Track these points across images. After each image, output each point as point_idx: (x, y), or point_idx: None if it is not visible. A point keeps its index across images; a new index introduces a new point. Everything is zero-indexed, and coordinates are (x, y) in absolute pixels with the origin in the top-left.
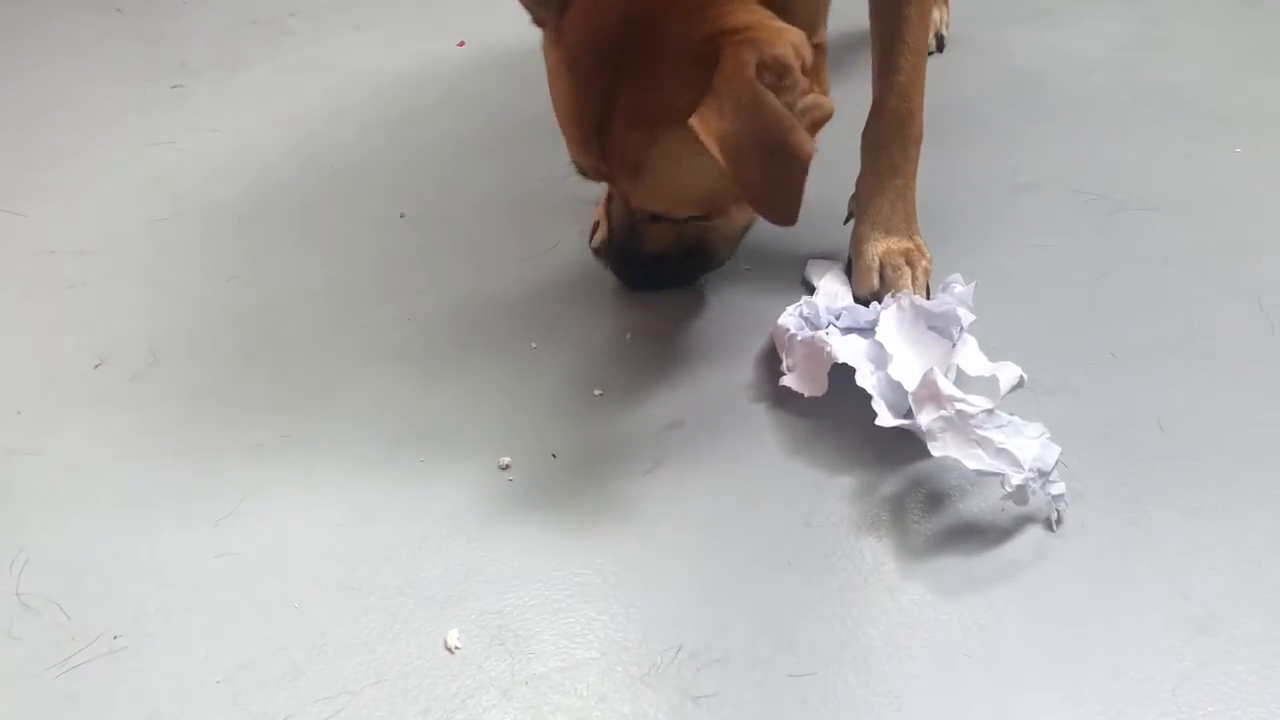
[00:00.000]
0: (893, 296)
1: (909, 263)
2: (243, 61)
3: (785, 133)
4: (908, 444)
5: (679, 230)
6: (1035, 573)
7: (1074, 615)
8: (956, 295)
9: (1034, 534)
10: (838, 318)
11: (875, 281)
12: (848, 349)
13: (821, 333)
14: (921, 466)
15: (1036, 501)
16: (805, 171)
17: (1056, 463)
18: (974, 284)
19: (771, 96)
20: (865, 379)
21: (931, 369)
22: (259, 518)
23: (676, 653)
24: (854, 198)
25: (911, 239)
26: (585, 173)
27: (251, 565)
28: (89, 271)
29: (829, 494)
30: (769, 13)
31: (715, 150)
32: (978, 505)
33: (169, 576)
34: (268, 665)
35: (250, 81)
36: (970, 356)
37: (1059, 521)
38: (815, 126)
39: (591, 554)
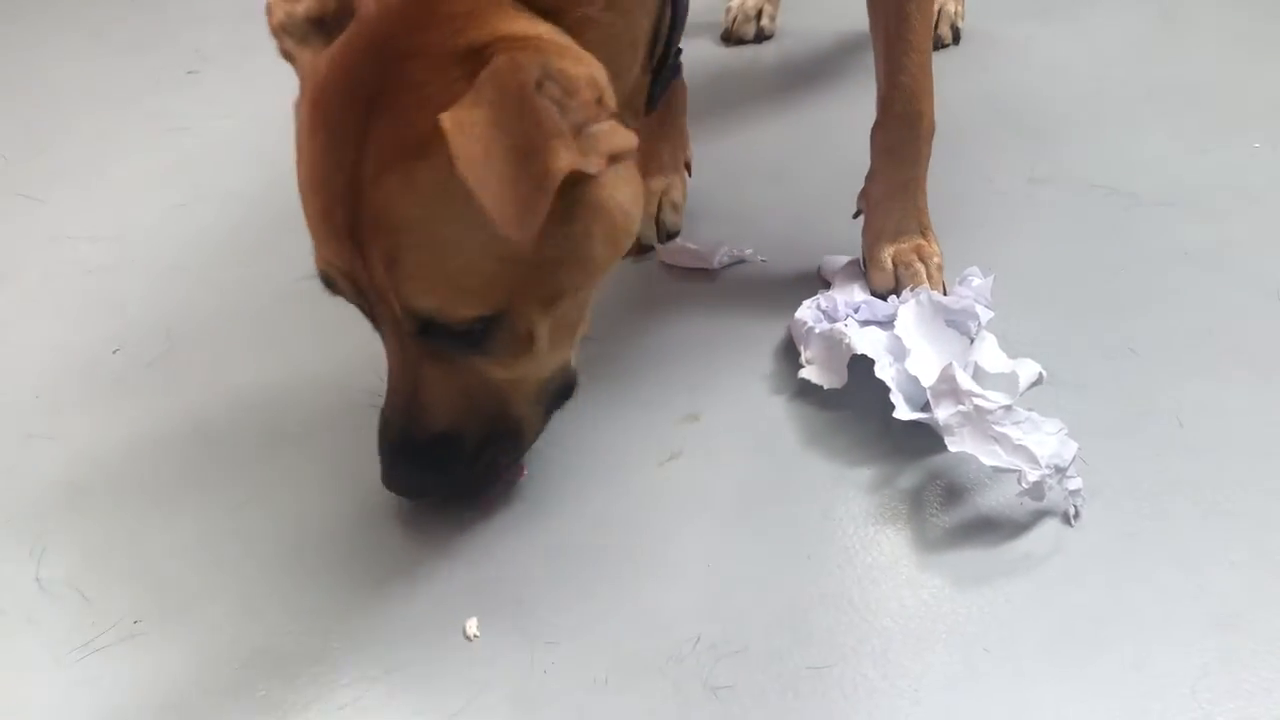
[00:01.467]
0: (911, 291)
1: (921, 259)
2: (257, 46)
3: (545, 138)
4: (926, 437)
5: (467, 386)
6: (1053, 566)
7: (1092, 609)
8: (974, 289)
9: (1052, 528)
10: (856, 311)
11: (890, 280)
12: (866, 341)
13: (840, 325)
14: (940, 460)
15: (1054, 496)
16: (548, 191)
17: (1074, 459)
18: (991, 277)
19: (546, 103)
20: (884, 371)
21: (950, 364)
22: (278, 504)
23: (695, 644)
24: (862, 194)
25: (923, 235)
26: (332, 283)
27: (271, 551)
28: (106, 257)
29: (847, 486)
30: (565, 36)
31: (455, 140)
32: (996, 499)
33: (189, 562)
34: (287, 651)
35: (265, 66)
36: (989, 353)
37: (1076, 516)
38: (608, 157)
39: (609, 545)
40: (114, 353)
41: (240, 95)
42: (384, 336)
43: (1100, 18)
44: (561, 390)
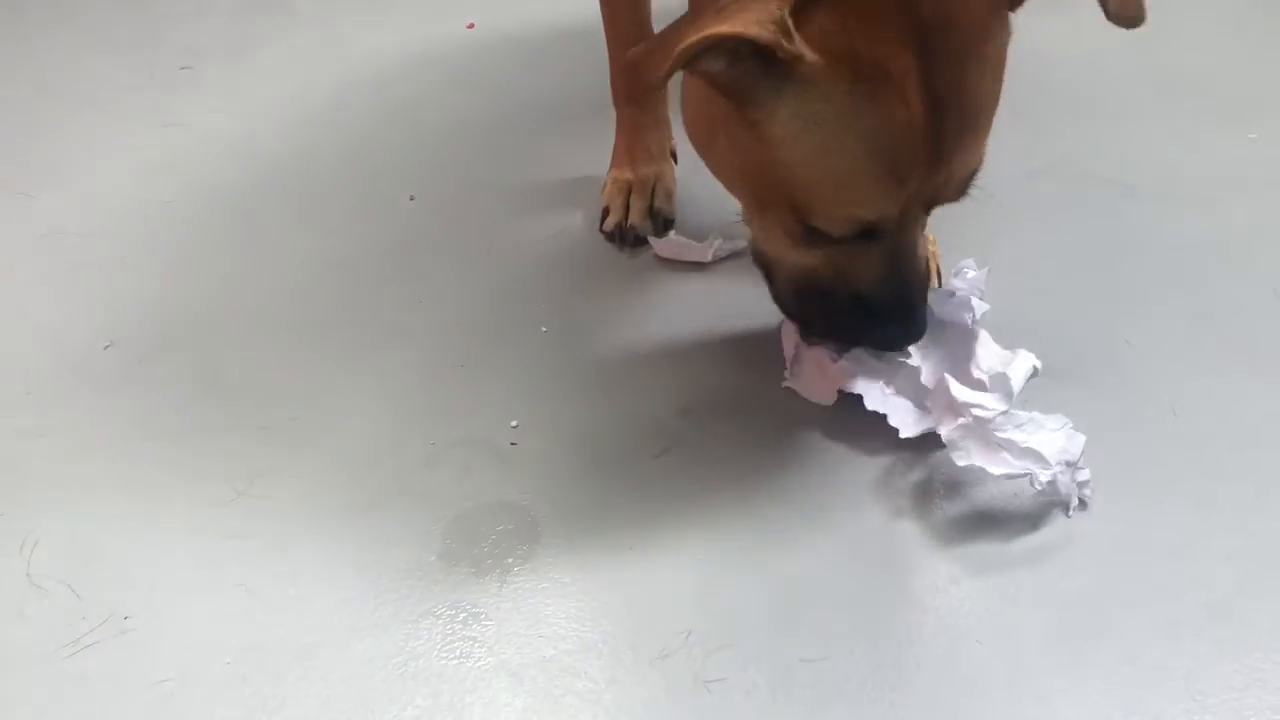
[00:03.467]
0: None
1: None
2: (251, 42)
3: None
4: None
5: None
6: (1047, 559)
7: (1087, 602)
8: (969, 281)
9: (1046, 521)
10: None
11: None
12: (859, 360)
13: (824, 353)
14: (935, 454)
15: (1063, 489)
16: None
17: (1082, 451)
18: (986, 269)
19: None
20: (874, 402)
21: (944, 377)
22: (268, 499)
23: (687, 636)
24: None
25: None
26: (878, 221)
27: (262, 546)
28: (97, 253)
29: (841, 480)
30: None
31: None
32: (989, 493)
33: (179, 558)
34: (278, 647)
35: (259, 63)
36: (984, 349)
37: (1084, 506)
38: None
39: (600, 537)
40: (105, 348)
41: (233, 91)
42: (886, 236)
43: (1096, 8)
44: None
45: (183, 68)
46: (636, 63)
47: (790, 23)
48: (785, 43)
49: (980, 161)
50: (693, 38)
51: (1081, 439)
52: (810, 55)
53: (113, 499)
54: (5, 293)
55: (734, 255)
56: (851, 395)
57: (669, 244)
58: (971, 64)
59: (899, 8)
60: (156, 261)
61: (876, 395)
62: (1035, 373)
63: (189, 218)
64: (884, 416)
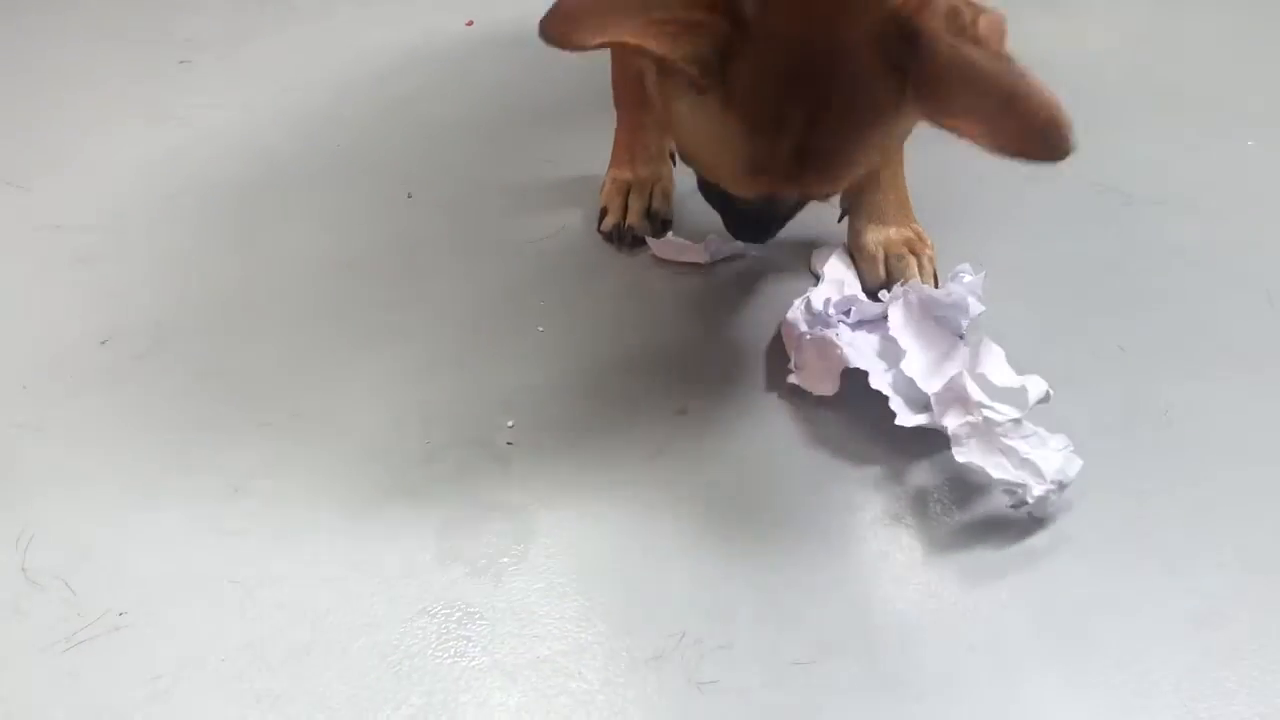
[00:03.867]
0: (901, 286)
1: (913, 251)
2: (249, 36)
3: (1008, 78)
4: (916, 436)
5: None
6: (1040, 565)
7: (1079, 608)
8: (966, 285)
9: (1039, 528)
10: (847, 313)
11: (881, 271)
12: (859, 351)
13: (831, 333)
14: (932, 459)
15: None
16: (1043, 89)
17: (1075, 475)
18: (983, 274)
19: (977, 52)
20: (879, 381)
21: (961, 373)
22: (264, 496)
23: (681, 638)
24: (844, 194)
25: (909, 226)
26: (747, 202)
27: (257, 543)
28: (94, 247)
29: (836, 482)
30: None
31: (968, 129)
32: (985, 499)
33: (175, 554)
34: (272, 644)
35: (257, 57)
36: (997, 368)
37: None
38: (1001, 41)
39: (595, 538)
40: (102, 344)
41: (231, 85)
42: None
43: (1094, 13)
44: None
45: (181, 61)
46: (569, 14)
47: (716, 66)
48: (703, 78)
49: (836, 191)
50: (629, 38)
51: (1079, 463)
52: (717, 90)
53: (109, 494)
54: (1, 286)
55: (732, 257)
56: (850, 394)
57: (666, 245)
58: (851, 142)
59: (809, 79)
60: (153, 256)
61: (879, 375)
62: (1047, 398)
63: (186, 212)
64: (881, 421)
